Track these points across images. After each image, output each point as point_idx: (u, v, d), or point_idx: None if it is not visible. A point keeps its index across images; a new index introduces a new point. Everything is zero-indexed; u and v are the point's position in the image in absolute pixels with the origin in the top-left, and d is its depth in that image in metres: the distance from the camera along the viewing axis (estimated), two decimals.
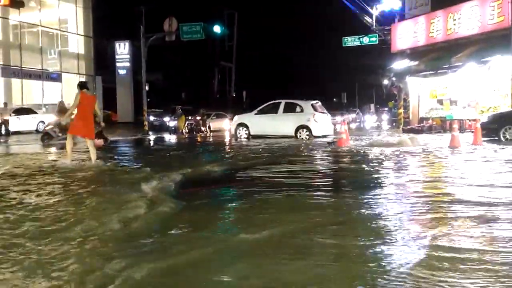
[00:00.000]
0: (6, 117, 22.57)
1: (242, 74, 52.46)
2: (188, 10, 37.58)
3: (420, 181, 6.81)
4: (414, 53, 22.32)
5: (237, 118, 19.33)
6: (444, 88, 21.05)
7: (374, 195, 5.58)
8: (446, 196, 5.41)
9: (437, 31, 20.54)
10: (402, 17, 24.08)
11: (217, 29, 27.84)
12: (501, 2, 17.22)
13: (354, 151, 11.65)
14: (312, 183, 6.92)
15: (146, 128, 25.29)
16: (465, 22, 18.88)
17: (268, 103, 18.49)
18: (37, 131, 23.15)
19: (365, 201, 5.21)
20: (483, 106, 18.19)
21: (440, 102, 21.14)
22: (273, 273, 2.99)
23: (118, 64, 40.34)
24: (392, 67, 23.51)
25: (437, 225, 4.08)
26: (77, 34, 34.91)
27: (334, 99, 56.75)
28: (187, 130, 25.18)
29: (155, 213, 4.67)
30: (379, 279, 2.82)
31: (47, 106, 28.11)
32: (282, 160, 9.83)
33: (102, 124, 11.62)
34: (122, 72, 40.33)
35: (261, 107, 18.51)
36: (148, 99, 27.83)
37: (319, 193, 6.03)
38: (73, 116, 9.10)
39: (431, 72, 20.54)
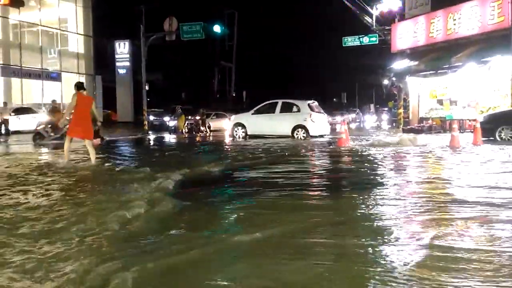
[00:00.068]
0: (6, 117, 22.54)
1: (242, 74, 52.50)
2: (188, 10, 37.61)
3: (420, 181, 6.81)
4: (414, 53, 22.32)
5: (234, 118, 19.35)
6: (444, 88, 21.05)
7: (374, 195, 5.58)
8: (446, 196, 5.41)
9: (437, 31, 20.54)
10: (402, 17, 24.06)
11: (217, 28, 27.85)
12: (501, 2, 17.22)
13: (354, 151, 11.65)
14: (312, 183, 6.92)
15: (146, 127, 25.29)
16: (465, 22, 18.87)
17: (265, 103, 18.53)
18: None
19: (365, 201, 5.21)
20: (483, 106, 18.18)
21: (440, 102, 21.14)
22: (273, 273, 2.99)
23: (118, 64, 40.30)
24: (392, 67, 23.51)
25: (437, 225, 4.08)
26: (77, 33, 34.88)
27: (334, 99, 56.82)
28: (187, 130, 25.18)
29: (155, 213, 4.67)
30: (379, 279, 2.82)
31: (47, 106, 28.08)
32: (281, 160, 9.83)
33: (99, 123, 11.60)
34: (122, 71, 40.29)
35: (258, 107, 18.55)
36: (148, 99, 27.83)
37: (319, 193, 6.03)
38: (70, 116, 9.09)
39: (431, 72, 20.53)
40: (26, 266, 3.07)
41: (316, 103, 18.46)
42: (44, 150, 12.94)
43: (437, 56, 20.20)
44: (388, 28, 26.10)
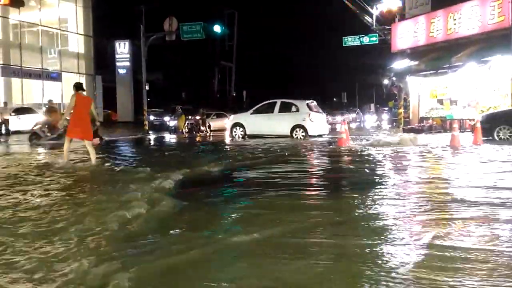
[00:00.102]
0: (6, 117, 22.53)
1: (242, 74, 52.51)
2: (188, 10, 37.59)
3: (420, 180, 6.81)
4: (414, 52, 22.30)
5: (233, 118, 19.35)
6: (444, 87, 21.04)
7: (374, 194, 5.57)
8: (446, 196, 5.40)
9: (437, 30, 20.53)
10: (402, 17, 24.04)
11: (217, 28, 27.83)
12: (501, 2, 17.20)
13: (354, 150, 11.64)
14: (312, 183, 6.92)
15: (146, 127, 25.27)
16: (465, 22, 18.86)
17: (263, 103, 18.54)
18: None
19: (365, 200, 5.20)
20: (483, 106, 18.16)
21: (440, 101, 21.12)
22: (273, 273, 2.98)
23: (118, 64, 40.28)
24: (392, 66, 23.49)
25: (437, 225, 4.08)
26: (77, 33, 34.89)
27: (334, 99, 56.87)
28: (187, 130, 25.18)
29: (155, 212, 4.67)
30: (379, 279, 2.82)
31: (47, 106, 28.06)
32: (281, 160, 9.83)
33: (97, 123, 11.60)
34: (122, 71, 40.28)
35: (256, 107, 18.56)
36: (148, 99, 27.80)
37: (319, 192, 6.03)
38: (69, 117, 9.08)
39: (431, 71, 20.51)
40: (26, 266, 3.07)
41: (314, 102, 18.47)
42: (44, 150, 12.93)
43: (437, 55, 20.18)
44: (388, 27, 26.08)
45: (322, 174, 7.89)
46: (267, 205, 5.10)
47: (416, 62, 21.21)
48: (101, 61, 37.85)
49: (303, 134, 17.07)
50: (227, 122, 27.04)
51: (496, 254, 3.25)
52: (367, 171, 7.93)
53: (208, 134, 24.38)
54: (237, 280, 2.89)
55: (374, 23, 27.97)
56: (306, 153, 11.57)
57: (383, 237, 3.71)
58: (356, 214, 4.62)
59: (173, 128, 25.16)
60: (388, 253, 3.32)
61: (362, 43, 30.44)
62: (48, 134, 14.63)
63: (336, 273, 2.96)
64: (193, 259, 3.29)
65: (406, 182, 6.75)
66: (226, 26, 40.78)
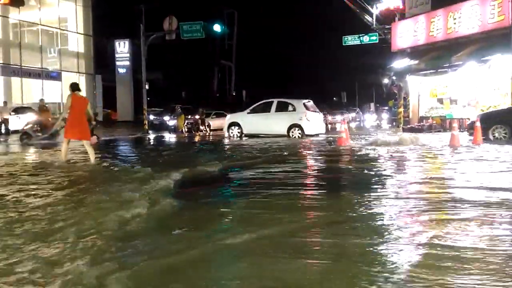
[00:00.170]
0: (6, 116, 22.52)
1: (242, 73, 52.48)
2: (188, 9, 37.51)
3: (420, 180, 6.80)
4: (414, 52, 22.28)
5: (230, 117, 19.34)
6: (444, 87, 21.02)
7: (374, 194, 5.57)
8: (446, 196, 5.40)
9: (437, 30, 20.51)
10: (402, 16, 24.02)
11: (217, 28, 27.81)
12: (501, 1, 17.18)
13: (354, 150, 11.64)
14: (312, 183, 6.92)
15: (146, 127, 25.27)
16: (465, 21, 18.84)
17: (260, 102, 18.56)
18: None
19: (365, 200, 5.20)
20: (483, 105, 18.15)
21: (440, 101, 21.11)
22: (273, 272, 2.98)
23: (118, 63, 40.28)
24: (392, 66, 23.47)
25: (437, 224, 4.08)
26: (77, 32, 34.87)
27: (334, 98, 56.77)
28: (186, 129, 25.17)
29: (155, 212, 4.66)
30: (379, 279, 2.82)
31: (47, 105, 28.05)
32: (281, 160, 9.82)
33: (94, 122, 11.58)
34: (122, 71, 40.27)
35: (253, 106, 18.58)
36: (148, 98, 27.78)
37: (318, 192, 6.03)
38: (66, 115, 9.07)
39: (431, 71, 20.51)
40: (25, 266, 3.06)
41: (311, 102, 18.48)
42: (41, 150, 12.91)
43: (437, 55, 20.17)
44: (388, 27, 26.04)
45: (322, 173, 7.88)
46: (266, 205, 5.10)
47: (416, 61, 21.20)
48: (101, 60, 37.84)
49: (300, 133, 17.10)
50: None
51: (496, 254, 3.25)
52: (367, 170, 7.92)
53: (207, 134, 24.37)
54: (237, 280, 2.88)
55: (374, 22, 27.92)
56: (306, 153, 11.57)
57: (383, 237, 3.70)
58: (356, 213, 4.61)
59: (172, 127, 25.15)
60: (387, 253, 3.32)
61: (362, 43, 30.41)
62: (39, 134, 14.55)
63: (336, 273, 2.95)
64: (193, 259, 3.29)
65: (406, 181, 6.74)
66: (226, 26, 40.72)
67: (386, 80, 28.04)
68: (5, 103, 26.06)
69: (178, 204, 5.04)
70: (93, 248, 3.45)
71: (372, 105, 49.93)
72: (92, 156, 8.75)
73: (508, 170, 7.40)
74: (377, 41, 29.31)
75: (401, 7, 24.47)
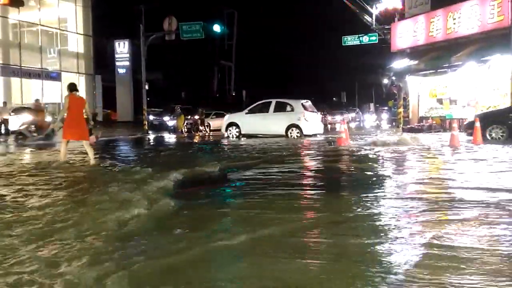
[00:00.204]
0: (5, 117, 22.50)
1: (241, 73, 52.50)
2: (187, 9, 37.53)
3: (419, 180, 6.80)
4: (414, 52, 22.29)
5: (228, 118, 19.37)
6: (444, 87, 21.03)
7: (374, 194, 5.57)
8: (446, 196, 5.40)
9: (437, 30, 20.52)
10: (402, 16, 24.03)
11: (216, 28, 27.82)
12: (501, 1, 17.19)
13: (354, 150, 11.64)
14: (311, 183, 6.92)
15: (146, 127, 25.27)
16: (465, 21, 18.85)
17: (258, 103, 18.60)
18: None
19: (365, 200, 5.20)
20: (482, 105, 18.16)
21: (440, 101, 21.12)
22: (273, 272, 2.98)
23: (117, 63, 40.28)
24: (392, 66, 23.47)
25: (437, 224, 4.08)
26: (77, 33, 34.87)
27: (334, 98, 56.81)
28: (186, 130, 25.16)
29: (155, 212, 4.67)
30: (379, 279, 2.82)
31: (47, 106, 28.07)
32: (280, 160, 9.82)
33: (92, 122, 11.57)
34: (121, 71, 40.27)
35: (251, 106, 18.63)
36: (148, 98, 27.79)
37: (318, 192, 6.03)
38: (65, 115, 9.06)
39: (431, 71, 20.52)
40: (25, 267, 3.07)
41: (309, 102, 18.51)
42: (41, 150, 12.92)
43: (437, 55, 20.18)
44: (388, 27, 26.04)
45: (321, 173, 7.88)
46: (266, 205, 5.10)
47: (416, 62, 21.20)
48: (100, 60, 37.83)
49: (298, 133, 17.11)
50: None
51: (495, 254, 3.25)
52: (367, 170, 7.92)
53: (207, 134, 24.37)
54: (237, 280, 2.89)
55: (374, 23, 27.93)
56: (305, 153, 11.57)
57: (383, 237, 3.71)
58: (356, 213, 4.61)
59: (172, 128, 25.15)
60: (387, 253, 3.32)
61: (362, 43, 30.41)
62: (35, 134, 14.49)
63: (336, 273, 2.95)
64: (193, 259, 3.29)
65: (405, 182, 6.74)
66: (226, 26, 40.79)
67: (385, 80, 28.06)
68: (4, 103, 26.04)
69: (177, 204, 5.03)
70: (92, 248, 3.46)
71: (371, 105, 49.92)
72: (91, 157, 8.75)
73: (508, 170, 7.41)
74: (377, 41, 29.31)
75: (400, 7, 24.48)
